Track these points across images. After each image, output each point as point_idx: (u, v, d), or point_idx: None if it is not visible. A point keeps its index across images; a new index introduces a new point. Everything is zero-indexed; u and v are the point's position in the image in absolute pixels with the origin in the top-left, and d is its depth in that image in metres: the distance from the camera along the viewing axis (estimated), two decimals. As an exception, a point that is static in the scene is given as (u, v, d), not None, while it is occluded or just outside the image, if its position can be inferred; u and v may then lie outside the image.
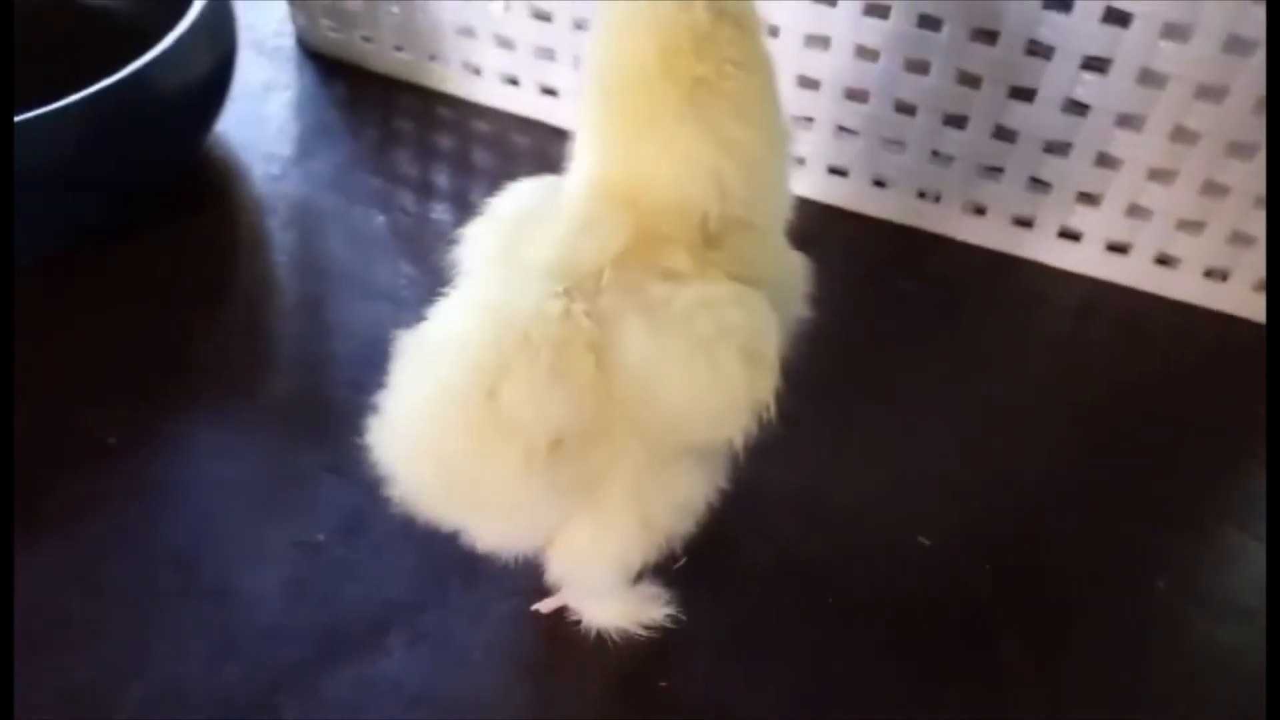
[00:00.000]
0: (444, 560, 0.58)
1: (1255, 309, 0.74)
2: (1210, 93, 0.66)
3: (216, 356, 0.69)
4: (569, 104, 0.84)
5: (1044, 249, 0.77)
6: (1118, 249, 0.76)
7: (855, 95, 0.74)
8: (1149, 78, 0.66)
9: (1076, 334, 0.75)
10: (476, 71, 0.85)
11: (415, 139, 0.85)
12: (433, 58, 0.86)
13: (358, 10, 0.86)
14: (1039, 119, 0.70)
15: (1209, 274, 0.74)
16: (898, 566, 0.60)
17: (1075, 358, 0.73)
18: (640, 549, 0.48)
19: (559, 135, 0.88)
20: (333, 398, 0.67)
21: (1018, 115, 0.71)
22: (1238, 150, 0.67)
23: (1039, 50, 0.68)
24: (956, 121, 0.73)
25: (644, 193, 0.45)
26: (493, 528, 0.46)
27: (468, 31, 0.83)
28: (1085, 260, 0.77)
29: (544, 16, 0.79)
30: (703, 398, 0.43)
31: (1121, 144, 0.70)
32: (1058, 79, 0.68)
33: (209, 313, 0.71)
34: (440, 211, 0.79)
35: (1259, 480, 0.68)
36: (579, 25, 0.78)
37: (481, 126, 0.86)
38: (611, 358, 0.42)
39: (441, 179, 0.82)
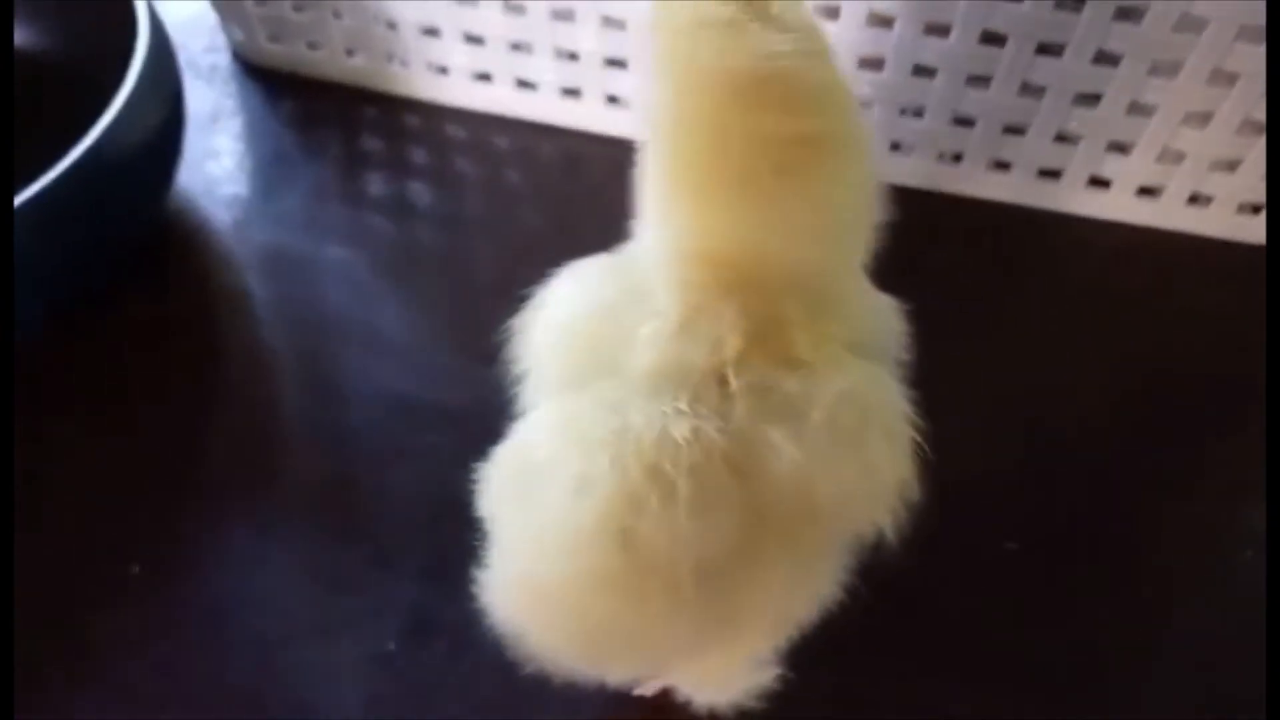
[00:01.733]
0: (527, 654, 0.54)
1: (1291, 239, 0.73)
2: (1250, 32, 0.62)
3: (222, 447, 0.62)
4: (548, 97, 0.77)
5: (1072, 199, 0.74)
6: (1149, 192, 0.73)
7: (869, 63, 0.69)
8: (1186, 23, 0.62)
9: (1113, 279, 0.73)
10: (443, 71, 0.77)
11: (386, 155, 0.77)
12: (391, 60, 0.78)
13: (302, 18, 0.77)
14: (1068, 72, 0.66)
15: (1241, 208, 0.72)
16: (984, 574, 0.58)
17: (1115, 303, 0.71)
18: (774, 646, 0.44)
19: (542, 131, 0.82)
20: (359, 476, 0.61)
21: (1045, 70, 0.66)
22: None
23: (1067, 4, 0.63)
24: (980, 82, 0.68)
25: (744, 268, 0.38)
26: (629, 668, 0.42)
27: (432, 30, 0.75)
28: (1115, 206, 0.74)
29: (517, 9, 0.71)
30: (855, 492, 0.39)
31: (1155, 91, 0.66)
32: (1089, 31, 0.63)
33: (202, 397, 0.64)
34: (429, 235, 0.73)
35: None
36: (557, 15, 0.71)
37: (456, 131, 0.78)
38: (754, 473, 0.37)
39: (423, 197, 0.75)
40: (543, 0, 0.70)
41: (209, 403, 0.64)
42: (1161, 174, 0.71)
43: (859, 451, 0.38)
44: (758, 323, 0.38)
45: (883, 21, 0.66)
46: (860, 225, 0.42)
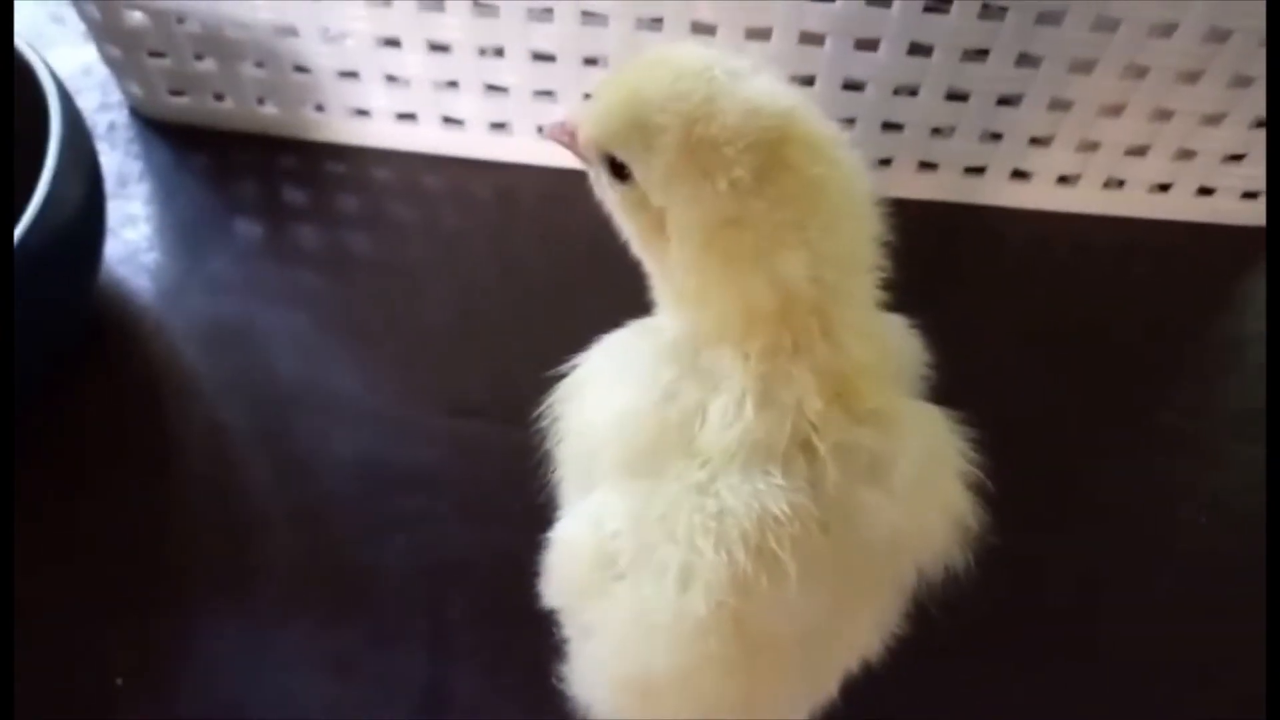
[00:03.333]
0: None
1: (1197, 212, 0.77)
2: (1160, 29, 0.65)
3: (193, 542, 0.59)
4: (477, 132, 0.75)
5: (996, 193, 0.77)
6: (1067, 180, 0.76)
7: (801, 80, 0.70)
8: (1102, 23, 0.65)
9: (1035, 263, 0.76)
10: (364, 113, 0.75)
11: (313, 205, 0.74)
12: (307, 105, 0.75)
13: (206, 68, 0.73)
14: (993, 75, 0.68)
15: (1151, 189, 0.76)
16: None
17: (1038, 286, 0.75)
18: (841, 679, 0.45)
19: (472, 167, 0.80)
20: (345, 552, 0.60)
21: (970, 76, 0.69)
22: (1186, 77, 0.68)
23: (992, 14, 0.65)
24: (908, 90, 0.70)
25: (798, 323, 0.38)
26: None
27: (350, 73, 0.72)
28: (1036, 196, 0.77)
29: (442, 48, 0.69)
30: (936, 534, 0.40)
31: (1074, 88, 0.69)
32: (1012, 36, 0.66)
33: (164, 490, 0.61)
34: (371, 285, 0.71)
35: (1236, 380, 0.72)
36: (484, 52, 0.69)
37: (383, 174, 0.76)
38: (849, 534, 0.38)
39: (359, 246, 0.73)
40: (469, 37, 0.68)
41: (172, 496, 0.61)
42: (1079, 163, 0.74)
43: (940, 499, 0.40)
44: (827, 378, 0.38)
45: (814, 39, 0.67)
46: (872, 251, 0.42)
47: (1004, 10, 0.64)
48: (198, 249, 0.71)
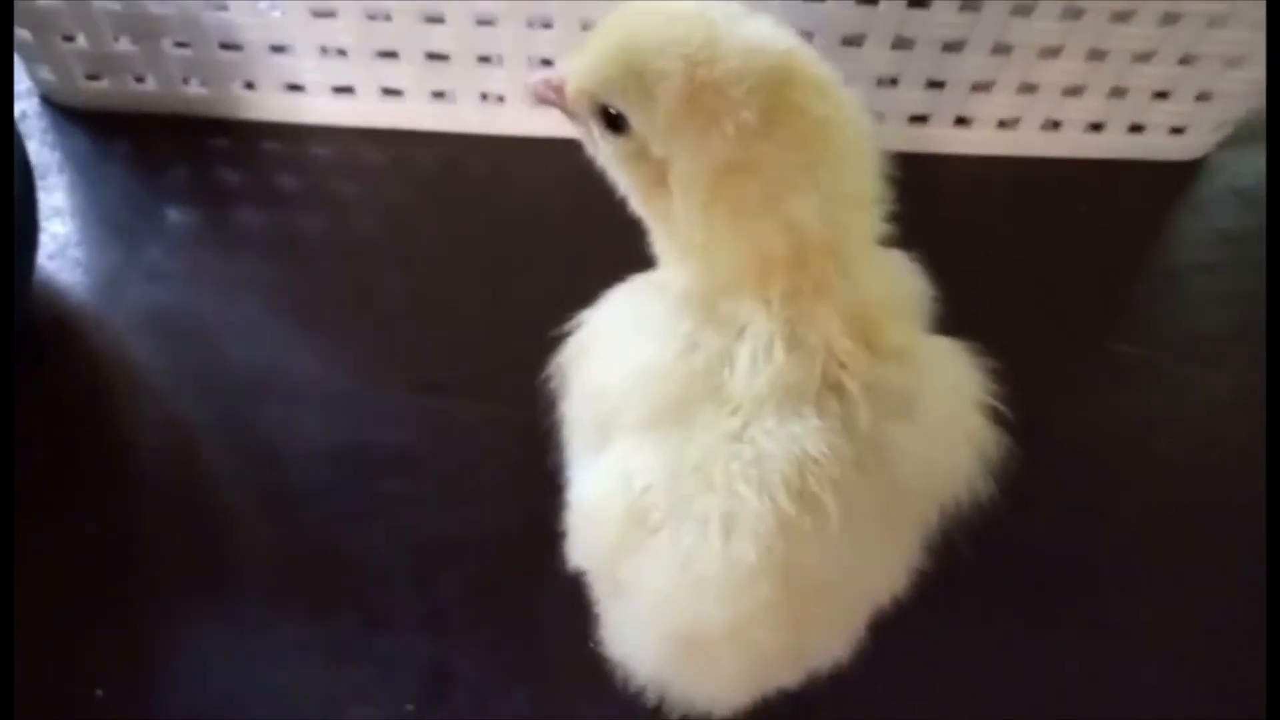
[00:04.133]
0: (551, 690, 0.53)
1: (1130, 149, 0.80)
2: (1096, -31, 0.67)
3: (167, 542, 0.56)
4: (418, 102, 0.73)
5: (940, 141, 0.78)
6: (1007, 124, 0.78)
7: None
8: (1042, -35, 0.66)
9: (979, 206, 0.78)
10: (298, 89, 0.72)
11: (251, 187, 0.71)
12: (235, 83, 0.71)
13: (124, 49, 0.69)
14: (937, 22, 0.69)
15: (1086, 128, 0.78)
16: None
17: (982, 229, 0.76)
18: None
19: (415, 139, 0.78)
20: (326, 539, 0.57)
21: (915, 24, 0.69)
22: (1119, 16, 0.70)
23: (936, -42, 0.66)
24: (853, 41, 0.70)
25: (816, 264, 0.38)
26: (779, 683, 0.42)
27: (282, 47, 0.69)
28: (978, 141, 0.78)
29: (382, 16, 0.67)
30: (964, 466, 0.40)
31: (1015, 32, 0.70)
32: (955, -17, 0.67)
33: (129, 492, 0.58)
34: (320, 265, 0.68)
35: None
36: (428, 18, 0.67)
37: (322, 150, 0.73)
38: (883, 471, 0.38)
39: (303, 226, 0.70)
40: (411, 1, 0.66)
41: (138, 497, 0.57)
42: (1020, 106, 0.76)
43: (965, 430, 0.40)
44: (851, 318, 0.38)
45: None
46: (877, 189, 0.41)
47: (948, -45, 0.65)
48: (131, 239, 0.67)
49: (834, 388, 0.37)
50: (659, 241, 0.42)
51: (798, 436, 0.36)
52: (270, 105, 0.73)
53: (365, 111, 0.73)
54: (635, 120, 0.38)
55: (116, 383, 0.62)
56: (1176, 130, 0.79)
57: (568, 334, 0.42)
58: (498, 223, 0.72)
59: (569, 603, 0.49)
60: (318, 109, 0.73)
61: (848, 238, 0.38)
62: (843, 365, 0.37)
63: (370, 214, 0.71)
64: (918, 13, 0.68)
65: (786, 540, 0.36)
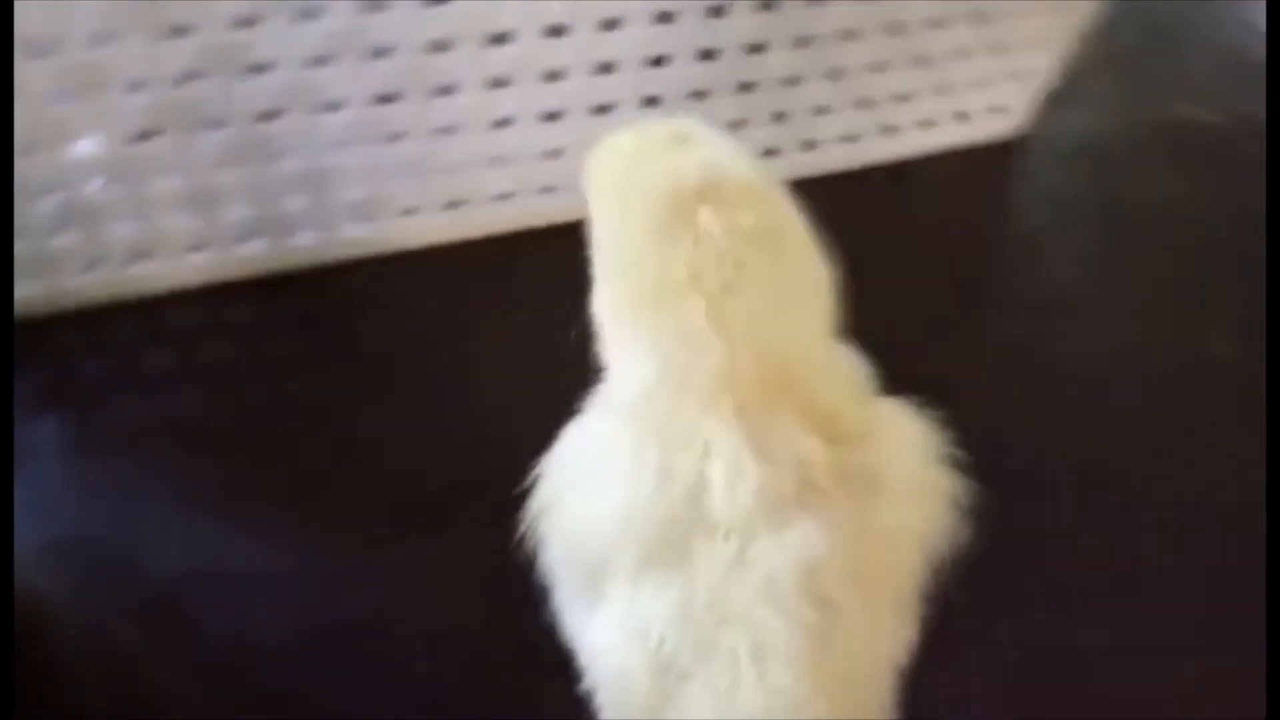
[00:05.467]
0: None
1: (960, 137, 0.84)
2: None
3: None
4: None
5: (791, 168, 0.80)
6: (850, 139, 0.81)
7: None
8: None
9: (836, 221, 0.80)
10: (145, 255, 0.66)
11: (116, 375, 0.65)
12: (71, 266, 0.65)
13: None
14: (774, 61, 0.71)
15: (921, 125, 0.83)
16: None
17: (844, 240, 0.78)
18: None
19: (276, 284, 0.73)
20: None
21: (755, 67, 0.71)
22: (935, 23, 0.74)
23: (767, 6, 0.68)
24: (700, 94, 0.72)
25: (768, 370, 0.38)
26: None
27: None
28: (824, 162, 0.81)
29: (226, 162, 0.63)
30: (941, 519, 0.41)
31: (848, 54, 0.73)
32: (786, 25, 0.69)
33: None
34: (219, 445, 0.63)
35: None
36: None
37: (182, 319, 0.68)
38: (876, 553, 0.38)
39: (187, 402, 0.65)
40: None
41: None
42: (859, 121, 0.80)
43: (935, 486, 0.41)
44: (809, 416, 0.38)
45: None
46: (824, 290, 0.43)
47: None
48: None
49: (810, 487, 0.37)
50: (607, 355, 0.42)
51: (796, 544, 0.36)
52: (118, 281, 0.67)
53: (224, 263, 0.69)
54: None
55: (25, 623, 0.55)
56: (996, 111, 0.84)
57: (531, 485, 0.41)
58: (384, 353, 0.69)
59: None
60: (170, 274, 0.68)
61: (793, 344, 0.39)
62: (813, 464, 0.38)
63: (252, 374, 0.67)
64: (755, 57, 0.70)
65: (818, 650, 0.36)
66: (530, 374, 0.66)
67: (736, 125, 0.75)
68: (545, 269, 0.72)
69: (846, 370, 0.42)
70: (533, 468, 0.41)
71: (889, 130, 0.81)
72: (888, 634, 0.41)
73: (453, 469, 0.62)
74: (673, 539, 0.37)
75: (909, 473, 0.40)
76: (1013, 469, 0.65)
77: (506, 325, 0.70)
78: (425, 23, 0.62)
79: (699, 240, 0.38)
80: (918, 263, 0.78)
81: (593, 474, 0.39)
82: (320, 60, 0.62)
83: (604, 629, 0.39)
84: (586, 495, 0.39)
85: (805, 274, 0.41)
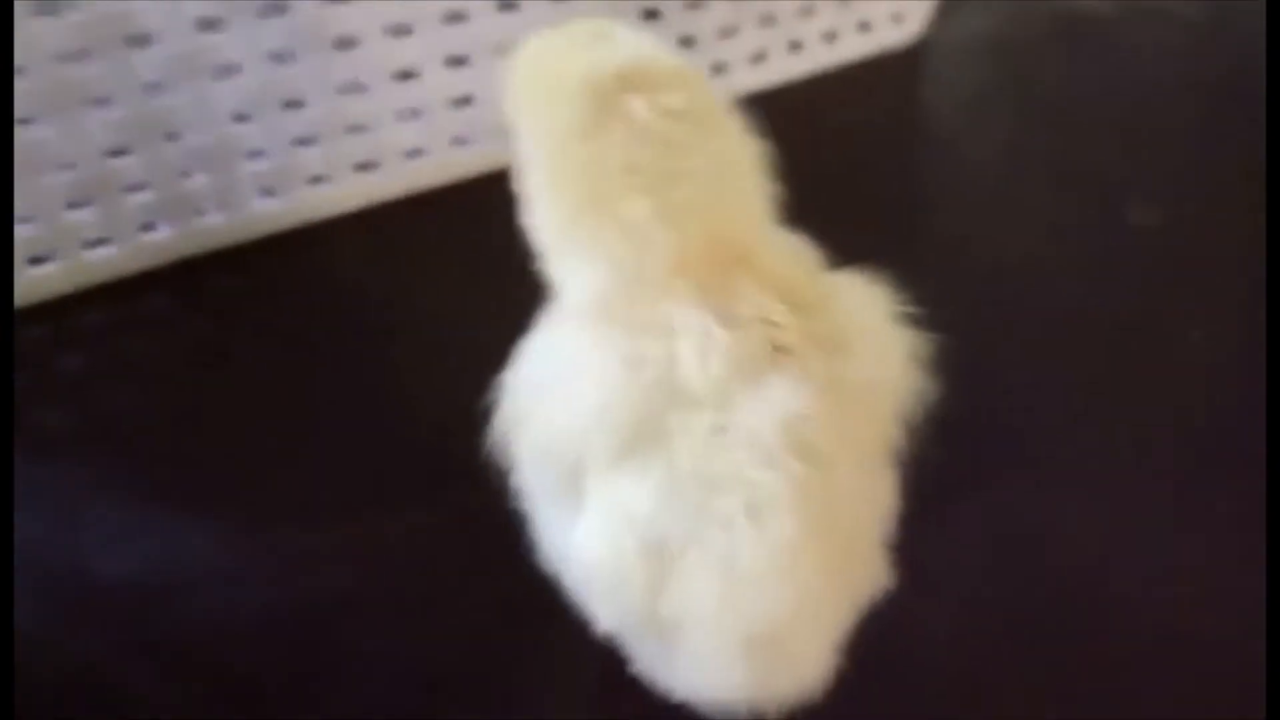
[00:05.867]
0: None
1: (865, 48, 0.84)
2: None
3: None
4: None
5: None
6: (759, 59, 0.80)
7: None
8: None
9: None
10: (40, 260, 0.62)
11: (33, 381, 0.61)
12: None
13: None
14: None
15: (825, 38, 0.82)
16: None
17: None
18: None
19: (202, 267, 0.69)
20: None
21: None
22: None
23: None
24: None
25: (721, 246, 0.39)
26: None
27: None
28: (733, 83, 0.80)
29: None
30: (905, 377, 0.41)
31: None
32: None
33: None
34: (162, 436, 0.60)
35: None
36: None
37: (98, 316, 0.64)
38: (850, 409, 0.38)
39: (113, 400, 0.61)
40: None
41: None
42: (765, 39, 0.79)
43: (899, 344, 0.41)
44: (771, 287, 0.39)
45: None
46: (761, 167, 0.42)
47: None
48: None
49: (781, 349, 0.38)
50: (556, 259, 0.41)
51: (775, 400, 0.36)
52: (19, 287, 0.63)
53: (131, 255, 0.65)
54: None
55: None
56: (898, 19, 0.84)
57: (491, 407, 0.40)
58: (310, 329, 0.66)
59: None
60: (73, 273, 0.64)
61: (740, 221, 0.40)
62: (780, 326, 0.38)
63: (175, 366, 0.64)
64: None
65: (812, 500, 0.36)
66: (465, 329, 0.64)
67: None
68: (467, 222, 0.71)
69: (795, 247, 0.42)
70: (484, 418, 0.40)
71: (795, 47, 0.81)
72: (874, 490, 0.41)
73: (399, 439, 0.60)
74: (650, 422, 0.37)
75: (872, 331, 0.40)
76: (963, 360, 0.66)
77: (435, 284, 0.68)
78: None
79: (630, 128, 0.38)
80: (837, 176, 0.77)
81: (559, 379, 0.39)
82: (208, 24, 0.59)
83: (589, 525, 0.39)
84: (556, 400, 0.39)
85: (741, 152, 0.41)
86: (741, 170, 0.41)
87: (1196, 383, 0.65)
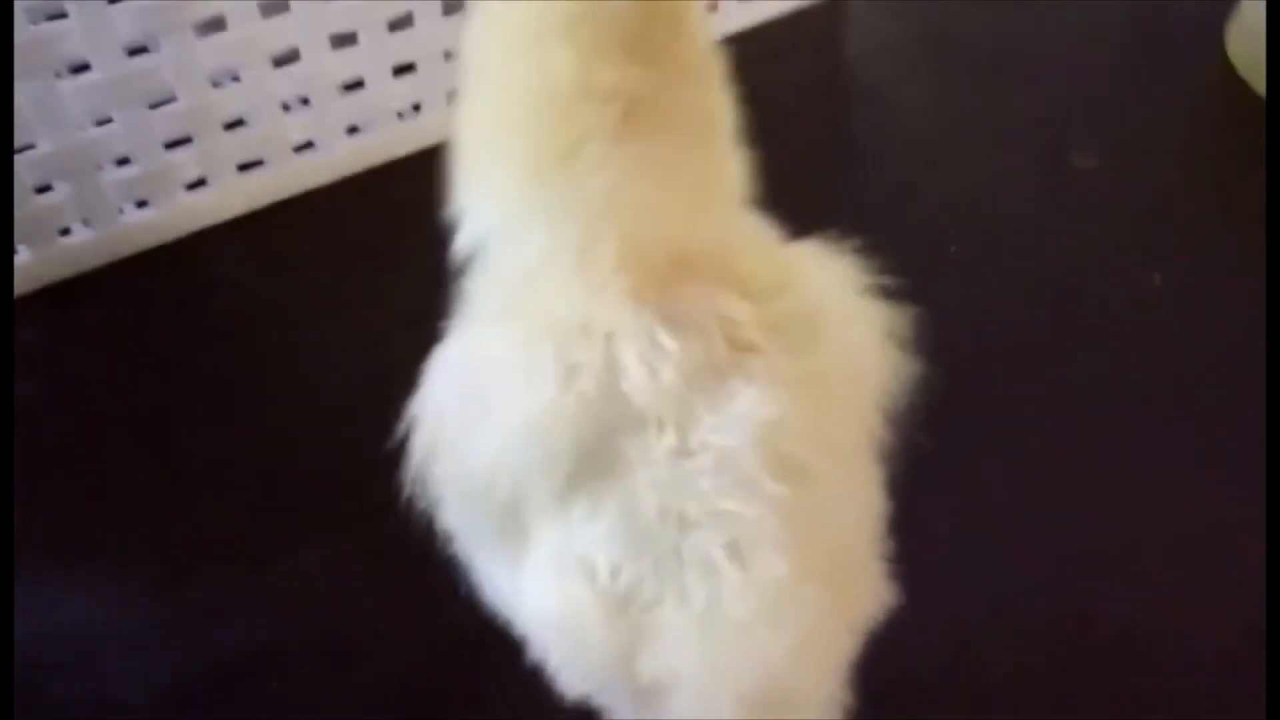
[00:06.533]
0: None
1: (786, 7, 0.80)
2: None
3: None
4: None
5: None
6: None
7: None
8: None
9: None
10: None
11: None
12: None
13: None
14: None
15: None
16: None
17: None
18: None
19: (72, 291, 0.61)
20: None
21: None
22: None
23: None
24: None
25: (673, 243, 0.32)
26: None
27: None
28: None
29: None
30: (884, 353, 0.36)
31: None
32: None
33: None
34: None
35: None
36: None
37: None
38: (828, 399, 0.33)
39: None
40: None
41: None
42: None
43: (876, 323, 0.36)
44: (720, 278, 0.33)
45: None
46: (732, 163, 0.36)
47: None
48: None
49: (743, 348, 0.32)
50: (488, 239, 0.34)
51: (745, 412, 0.31)
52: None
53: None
54: None
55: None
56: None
57: (404, 436, 0.34)
58: (201, 351, 0.59)
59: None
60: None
61: (695, 202, 0.33)
62: (738, 323, 0.32)
63: (53, 402, 0.57)
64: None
65: (800, 525, 0.31)
66: (370, 332, 0.58)
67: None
68: (365, 220, 0.64)
69: (750, 225, 0.36)
70: (396, 427, 0.34)
71: (712, 8, 0.76)
72: (862, 495, 0.36)
73: (310, 463, 0.54)
74: (595, 445, 0.31)
75: (841, 310, 0.35)
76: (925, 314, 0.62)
77: (333, 287, 0.61)
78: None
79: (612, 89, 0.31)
80: (770, 135, 0.73)
81: (478, 395, 0.32)
82: (54, 13, 0.51)
83: (537, 576, 0.32)
84: (477, 421, 0.32)
85: (719, 110, 0.34)
86: (715, 133, 0.34)
87: (1148, 304, 0.62)
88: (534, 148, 0.32)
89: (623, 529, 0.31)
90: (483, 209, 0.34)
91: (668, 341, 0.31)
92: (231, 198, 0.63)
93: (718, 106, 0.34)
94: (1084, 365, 0.60)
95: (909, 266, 0.36)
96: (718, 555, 0.30)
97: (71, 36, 0.52)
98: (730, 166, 0.35)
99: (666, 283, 0.32)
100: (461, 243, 0.35)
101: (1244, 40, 0.75)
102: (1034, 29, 0.81)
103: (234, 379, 0.58)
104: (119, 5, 0.52)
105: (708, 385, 0.31)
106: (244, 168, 0.62)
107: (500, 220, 0.33)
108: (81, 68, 0.54)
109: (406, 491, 0.34)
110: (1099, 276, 0.64)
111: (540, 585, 0.32)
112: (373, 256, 0.62)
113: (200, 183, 0.61)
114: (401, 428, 0.34)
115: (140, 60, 0.55)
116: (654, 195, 0.32)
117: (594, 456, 0.31)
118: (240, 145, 0.61)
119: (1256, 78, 0.73)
